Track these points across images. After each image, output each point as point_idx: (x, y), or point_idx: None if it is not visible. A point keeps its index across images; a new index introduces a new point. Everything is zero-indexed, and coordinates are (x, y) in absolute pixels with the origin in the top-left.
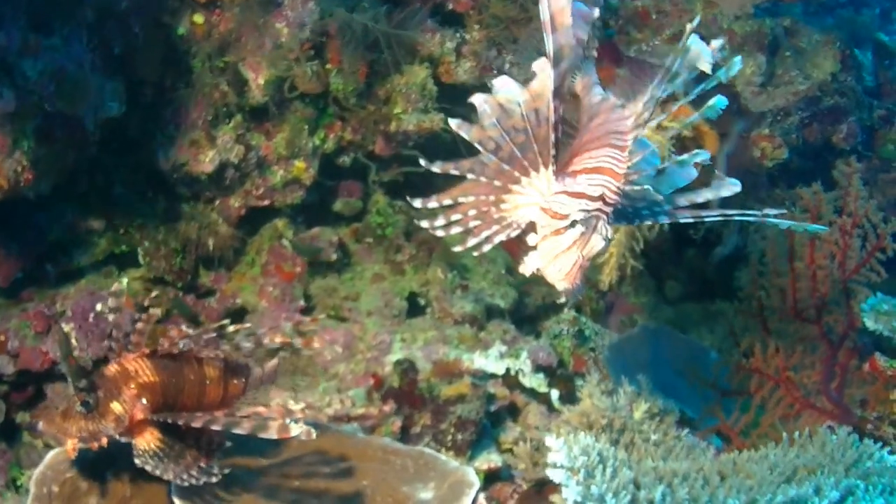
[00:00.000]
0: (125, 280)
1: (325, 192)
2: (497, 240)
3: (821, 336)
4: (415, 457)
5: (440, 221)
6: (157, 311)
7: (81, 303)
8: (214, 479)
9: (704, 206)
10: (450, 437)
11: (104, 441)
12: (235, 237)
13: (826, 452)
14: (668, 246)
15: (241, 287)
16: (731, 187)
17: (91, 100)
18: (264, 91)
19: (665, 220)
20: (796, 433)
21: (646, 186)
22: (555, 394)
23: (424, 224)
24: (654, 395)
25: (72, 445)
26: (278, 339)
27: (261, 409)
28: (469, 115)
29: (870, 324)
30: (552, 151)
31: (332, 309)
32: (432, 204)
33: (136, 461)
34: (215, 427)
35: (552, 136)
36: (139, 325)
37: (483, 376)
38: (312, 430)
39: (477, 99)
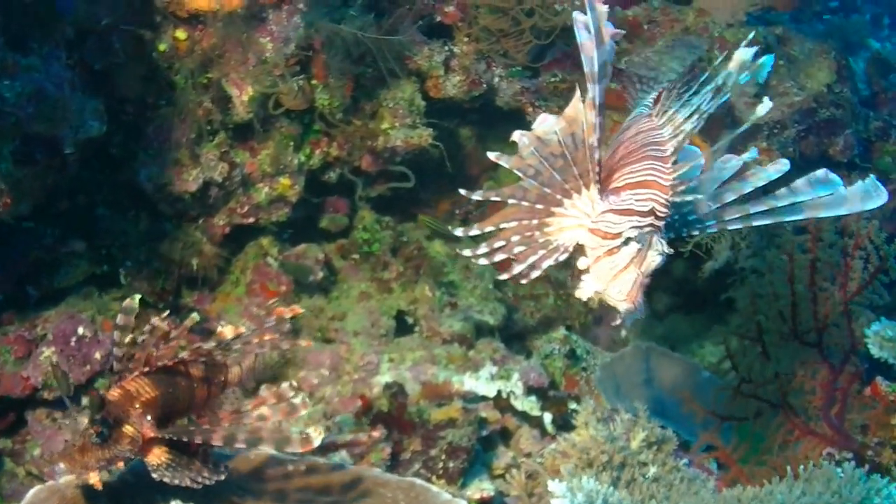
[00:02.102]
0: (137, 297)
1: (311, 208)
2: (545, 265)
3: (821, 360)
4: (405, 489)
5: (482, 249)
6: (163, 327)
7: (62, 326)
8: (223, 477)
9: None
10: (441, 465)
11: (120, 465)
12: (219, 256)
13: (832, 489)
14: None
15: (225, 308)
16: (780, 166)
17: (71, 120)
18: (248, 108)
19: (715, 230)
20: (801, 467)
21: (699, 197)
22: (547, 417)
23: (466, 253)
24: (650, 422)
25: (96, 479)
26: (267, 337)
27: (264, 409)
28: (456, 129)
29: (874, 351)
30: (596, 170)
31: (318, 330)
32: (474, 232)
33: (154, 475)
34: (238, 445)
35: (595, 155)
36: (146, 341)
37: (474, 399)
38: (321, 429)
39: (516, 135)
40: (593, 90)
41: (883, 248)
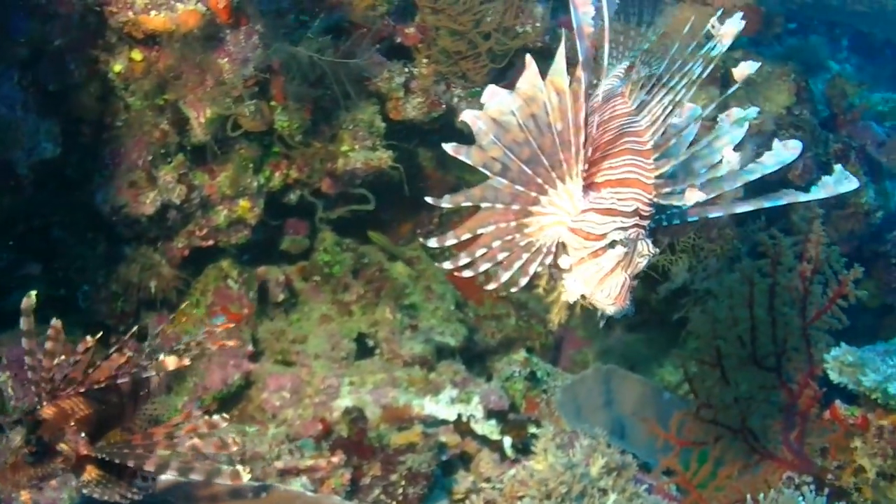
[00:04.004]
0: (34, 293)
1: (272, 230)
2: (532, 269)
3: (781, 384)
4: None
5: (464, 260)
6: (92, 344)
7: (16, 350)
8: (151, 490)
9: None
10: (400, 491)
11: (54, 483)
12: (179, 279)
13: None
14: None
15: (185, 331)
16: (792, 149)
17: (24, 142)
18: (206, 129)
19: (695, 217)
20: (761, 495)
21: (685, 204)
22: (507, 441)
23: (447, 265)
24: (610, 448)
25: (27, 496)
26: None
27: (197, 441)
28: (417, 151)
29: (834, 376)
30: (581, 167)
31: (279, 353)
32: (450, 241)
33: (84, 491)
34: (170, 472)
35: (582, 153)
36: (78, 360)
37: (434, 422)
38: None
39: (468, 116)
40: (583, 76)
41: (842, 273)
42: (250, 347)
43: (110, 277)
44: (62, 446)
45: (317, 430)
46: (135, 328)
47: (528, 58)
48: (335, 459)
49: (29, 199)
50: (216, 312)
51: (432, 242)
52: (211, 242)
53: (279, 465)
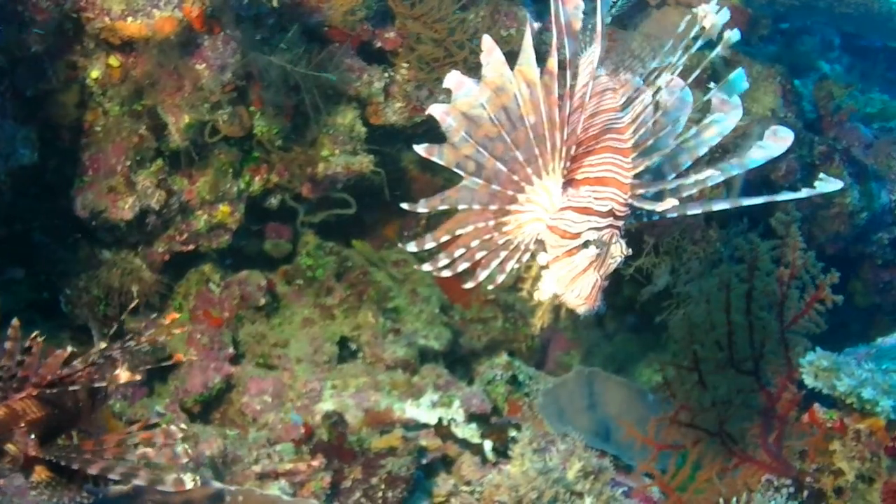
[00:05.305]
0: None
1: (254, 234)
2: (509, 266)
3: (759, 387)
4: None
5: (443, 261)
6: (40, 343)
7: None
8: (102, 495)
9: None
10: (380, 494)
11: (2, 482)
12: (160, 283)
13: None
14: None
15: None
16: (784, 138)
17: (1, 149)
18: (184, 135)
19: (674, 214)
20: (734, 500)
21: (657, 207)
22: (488, 445)
23: (427, 267)
24: (587, 452)
25: None
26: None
27: (150, 451)
28: (400, 155)
29: (809, 381)
30: (561, 164)
31: (261, 356)
32: (429, 244)
33: (33, 493)
34: (112, 476)
35: (561, 150)
36: (27, 361)
37: (415, 426)
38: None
39: (436, 110)
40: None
41: (819, 278)
42: (231, 350)
43: (92, 282)
44: (9, 447)
45: (298, 433)
46: (106, 332)
47: (487, 39)
48: (315, 463)
49: (9, 205)
50: (199, 317)
51: (411, 247)
52: (191, 247)
53: (257, 469)
